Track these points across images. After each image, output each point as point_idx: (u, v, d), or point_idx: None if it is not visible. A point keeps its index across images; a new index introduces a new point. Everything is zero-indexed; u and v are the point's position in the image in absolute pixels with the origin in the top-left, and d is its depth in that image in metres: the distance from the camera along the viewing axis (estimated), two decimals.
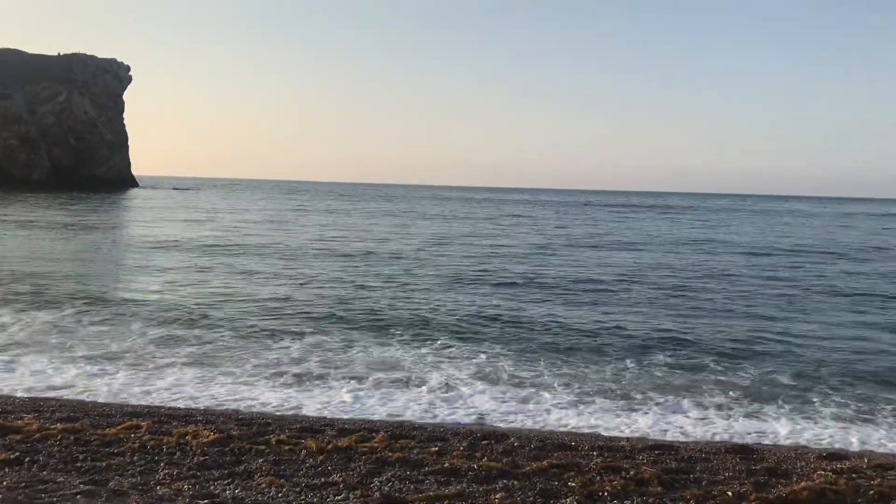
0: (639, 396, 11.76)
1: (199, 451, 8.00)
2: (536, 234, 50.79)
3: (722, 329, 17.34)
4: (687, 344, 15.55)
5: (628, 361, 13.98)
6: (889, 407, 11.42)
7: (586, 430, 9.93)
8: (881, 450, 9.47)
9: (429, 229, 52.24)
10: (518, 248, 38.21)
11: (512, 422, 10.37)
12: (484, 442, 8.66)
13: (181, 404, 10.77)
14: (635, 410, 11.05)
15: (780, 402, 11.62)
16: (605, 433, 9.83)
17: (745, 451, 8.64)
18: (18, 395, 10.89)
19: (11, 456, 7.49)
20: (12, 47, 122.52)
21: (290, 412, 10.57)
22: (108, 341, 14.68)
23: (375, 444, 8.35)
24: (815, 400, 11.78)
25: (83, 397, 10.98)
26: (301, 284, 23.21)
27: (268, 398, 11.29)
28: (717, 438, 9.82)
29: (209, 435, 8.51)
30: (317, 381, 12.26)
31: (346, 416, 10.32)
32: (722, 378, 13.00)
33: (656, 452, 8.46)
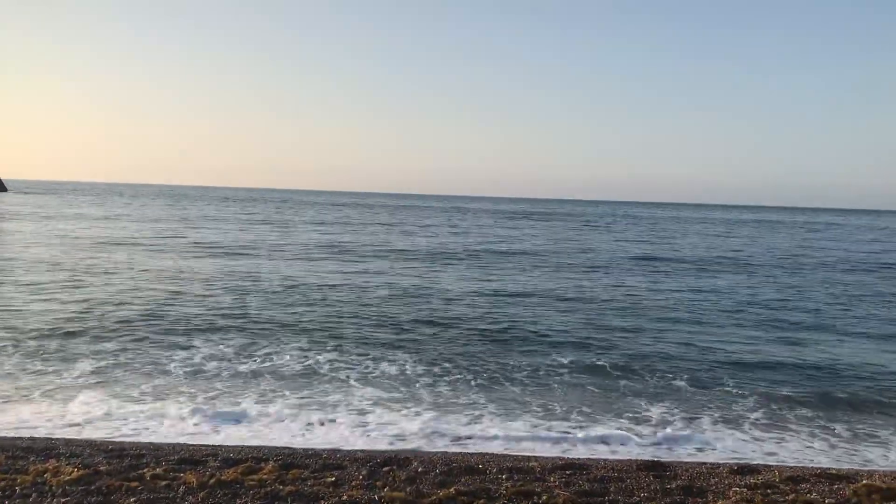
0: (541, 412, 11.39)
1: (59, 491, 6.98)
2: (427, 239, 50.36)
3: (615, 338, 17.31)
4: (584, 359, 15.30)
5: (527, 375, 13.65)
6: (792, 414, 11.50)
7: (494, 451, 9.40)
8: (790, 461, 9.40)
9: (314, 235, 50.96)
10: (413, 254, 37.67)
11: (414, 444, 9.73)
12: (385, 468, 7.98)
13: (41, 434, 9.57)
14: (544, 428, 10.62)
15: (685, 414, 11.48)
16: (513, 453, 9.34)
17: (657, 468, 8.32)
18: None
19: None
20: None
21: (168, 439, 9.56)
22: None
23: (265, 476, 7.53)
24: (720, 412, 11.68)
25: None
26: (185, 294, 21.77)
27: (143, 423, 10.24)
28: (628, 455, 9.50)
29: (72, 471, 7.48)
30: (192, 403, 11.20)
31: (230, 444, 9.38)
32: (623, 390, 12.81)
33: (567, 473, 8.02)
